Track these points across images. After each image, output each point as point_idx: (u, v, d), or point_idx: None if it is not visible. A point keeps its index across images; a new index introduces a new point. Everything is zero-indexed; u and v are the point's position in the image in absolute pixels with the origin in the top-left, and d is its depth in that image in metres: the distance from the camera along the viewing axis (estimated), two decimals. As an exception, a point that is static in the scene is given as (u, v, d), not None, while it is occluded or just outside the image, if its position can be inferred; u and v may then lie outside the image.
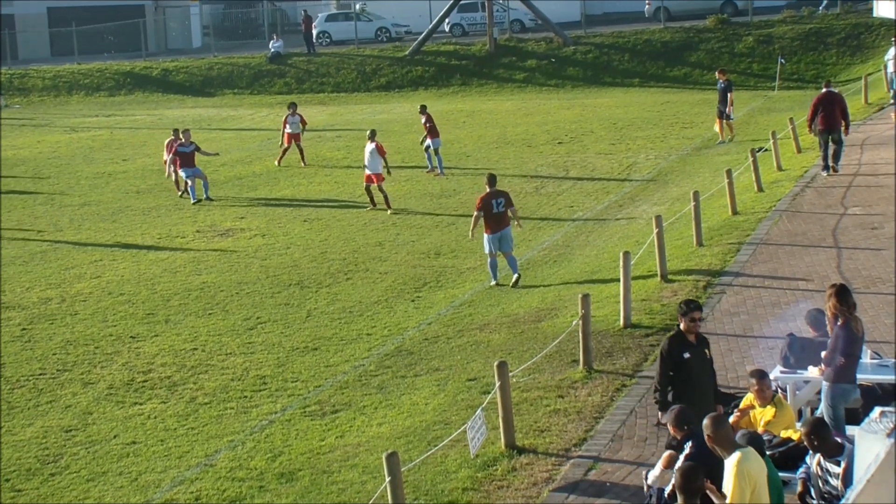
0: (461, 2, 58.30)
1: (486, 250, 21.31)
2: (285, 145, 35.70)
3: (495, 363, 13.32)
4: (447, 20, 59.76)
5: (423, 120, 33.15)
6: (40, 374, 17.73)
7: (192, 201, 30.55)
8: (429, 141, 33.04)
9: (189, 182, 30.99)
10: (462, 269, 22.91)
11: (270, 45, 59.51)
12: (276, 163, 35.83)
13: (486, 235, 21.20)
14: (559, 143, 37.38)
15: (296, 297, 21.45)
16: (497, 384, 13.16)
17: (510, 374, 13.45)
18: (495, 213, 21.07)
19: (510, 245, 21.34)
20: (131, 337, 19.44)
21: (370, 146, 28.44)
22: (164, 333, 19.55)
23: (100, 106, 54.60)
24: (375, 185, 28.45)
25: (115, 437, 15.12)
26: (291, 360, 17.83)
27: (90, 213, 30.20)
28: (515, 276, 21.10)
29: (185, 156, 31.18)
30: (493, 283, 21.23)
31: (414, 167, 34.32)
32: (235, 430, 15.08)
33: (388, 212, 28.12)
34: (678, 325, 11.95)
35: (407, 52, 57.53)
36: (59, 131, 46.54)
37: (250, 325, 19.78)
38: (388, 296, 21.23)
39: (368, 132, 29.48)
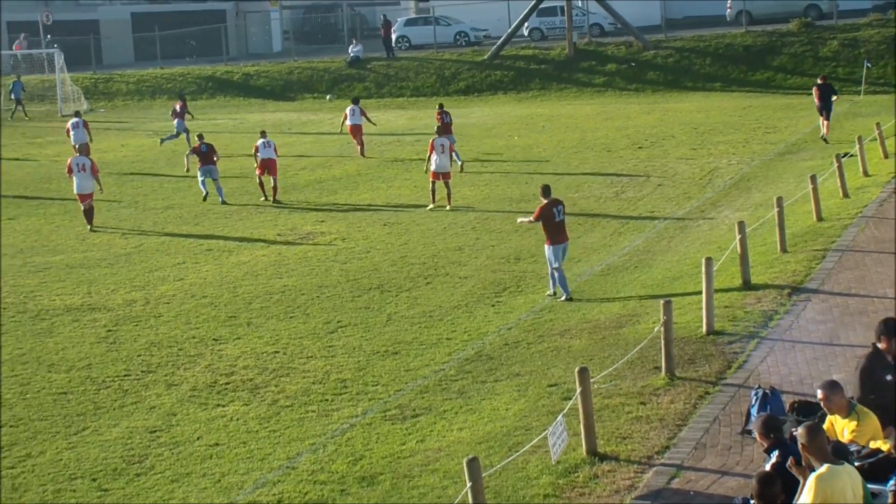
0: (540, 6, 58.22)
1: (555, 263, 20.60)
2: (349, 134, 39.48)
3: (576, 369, 13.27)
4: (526, 24, 59.71)
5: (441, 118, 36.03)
6: (125, 375, 17.98)
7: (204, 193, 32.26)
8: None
9: (201, 178, 32.49)
10: (542, 273, 22.83)
11: (350, 50, 59.88)
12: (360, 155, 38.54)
13: (548, 247, 20.63)
14: (639, 147, 37.18)
15: (376, 300, 21.54)
16: (578, 390, 13.11)
17: (591, 379, 13.39)
18: (557, 221, 20.51)
19: (564, 258, 20.75)
20: (214, 339, 19.64)
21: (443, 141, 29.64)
22: (245, 336, 19.73)
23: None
24: (441, 182, 29.20)
25: (198, 438, 15.28)
26: (372, 364, 17.90)
27: (173, 217, 30.57)
28: (565, 295, 20.49)
29: (203, 155, 32.48)
30: (566, 297, 20.53)
31: (493, 172, 34.34)
32: (316, 433, 15.17)
33: (447, 207, 29.09)
34: (875, 344, 11.34)
35: (486, 57, 57.56)
36: (143, 135, 47.17)
37: (331, 329, 19.89)
38: (467, 300, 21.25)
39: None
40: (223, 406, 16.44)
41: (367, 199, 31.63)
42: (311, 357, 18.44)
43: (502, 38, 57.95)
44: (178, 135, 42.77)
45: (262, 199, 31.94)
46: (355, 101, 40.06)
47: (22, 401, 17.02)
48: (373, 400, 16.33)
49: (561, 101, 51.69)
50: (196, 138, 34.58)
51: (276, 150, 32.56)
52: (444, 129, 33.89)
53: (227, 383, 17.36)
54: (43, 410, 16.61)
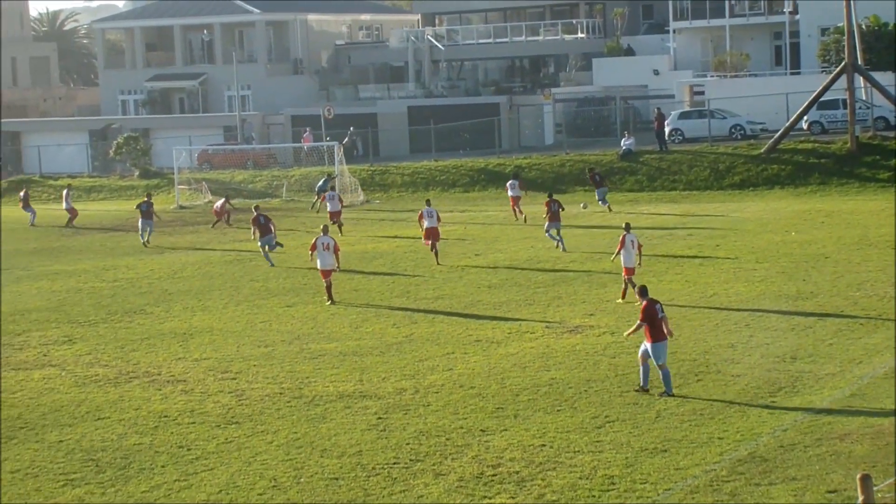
0: (820, 99, 57.01)
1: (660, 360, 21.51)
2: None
3: (858, 476, 12.76)
4: (806, 117, 58.54)
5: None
6: (394, 463, 18.33)
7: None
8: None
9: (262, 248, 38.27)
10: (820, 374, 22.15)
11: (622, 143, 60.05)
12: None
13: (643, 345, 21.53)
14: (927, 245, 35.71)
15: (644, 396, 21.31)
16: (860, 499, 12.59)
17: (875, 488, 12.84)
18: (660, 318, 21.36)
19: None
20: (481, 430, 19.83)
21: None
22: (512, 428, 19.84)
23: (455, 201, 56.48)
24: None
25: (464, 529, 15.39)
26: (640, 461, 17.69)
27: (443, 306, 31.17)
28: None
29: (262, 226, 38.28)
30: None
31: (769, 268, 33.62)
32: (583, 529, 15.06)
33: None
34: None
35: (762, 150, 56.68)
36: (416, 226, 48.40)
37: (598, 424, 19.79)
38: (740, 399, 20.78)
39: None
40: (489, 498, 16.54)
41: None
42: (579, 451, 18.36)
43: (780, 132, 56.96)
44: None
45: (436, 263, 37.18)
46: (515, 176, 49.33)
47: (296, 484, 17.58)
48: (641, 498, 16.11)
49: (842, 197, 50.30)
50: (253, 209, 40.43)
51: (438, 219, 38.25)
52: (553, 216, 38.96)
53: (493, 475, 17.47)
54: (316, 495, 17.10)
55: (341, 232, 43.05)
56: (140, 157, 70.71)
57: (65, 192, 55.68)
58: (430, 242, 37.97)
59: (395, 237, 45.31)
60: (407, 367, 24.62)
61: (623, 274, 30.50)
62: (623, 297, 30.06)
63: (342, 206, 45.85)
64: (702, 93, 67.89)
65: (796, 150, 56.22)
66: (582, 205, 50.41)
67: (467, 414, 20.83)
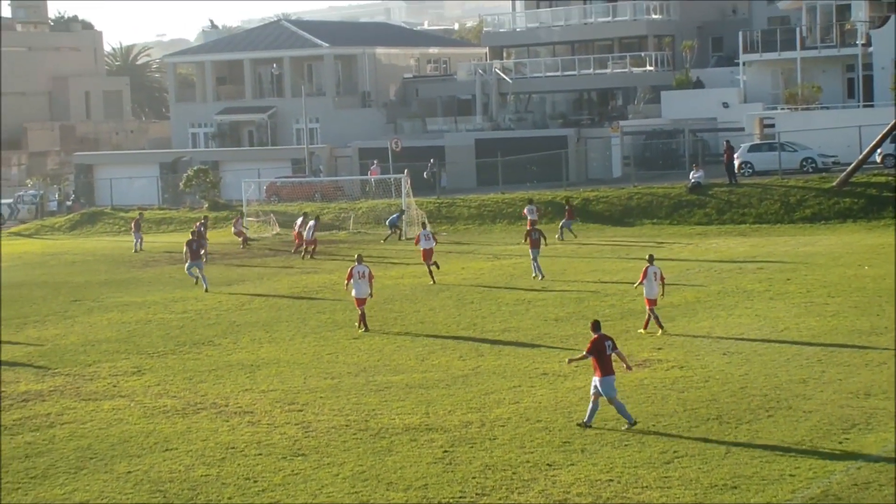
0: (894, 132, 56.29)
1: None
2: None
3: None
4: (879, 150, 57.84)
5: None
6: (460, 497, 18.25)
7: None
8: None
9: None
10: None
11: (691, 176, 59.69)
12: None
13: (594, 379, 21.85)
14: None
15: (714, 431, 21.08)
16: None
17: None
18: (607, 354, 21.84)
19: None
20: (548, 464, 19.70)
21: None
22: (579, 462, 19.69)
23: (521, 234, 56.18)
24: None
25: (530, 564, 15.27)
26: (710, 498, 17.47)
27: (510, 338, 31.07)
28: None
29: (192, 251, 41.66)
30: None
31: (841, 303, 33.18)
32: (651, 566, 14.88)
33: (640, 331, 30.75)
34: None
35: (834, 184, 56.06)
36: (483, 258, 48.43)
37: (667, 459, 19.59)
38: (812, 436, 20.48)
39: None
40: (556, 533, 16.40)
41: (705, 327, 31.17)
42: (647, 487, 18.18)
43: (853, 165, 56.31)
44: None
45: (432, 283, 40.89)
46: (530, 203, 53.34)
47: (360, 516, 17.55)
48: (710, 536, 15.90)
49: (916, 230, 49.58)
50: (191, 233, 44.67)
51: (435, 240, 42.91)
52: (534, 243, 41.03)
53: (560, 510, 17.32)
54: (380, 527, 17.04)
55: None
56: (209, 190, 71.47)
57: (312, 223, 52.82)
58: (427, 263, 41.71)
59: (462, 269, 45.27)
60: (473, 399, 24.54)
61: (646, 305, 30.96)
62: (645, 328, 30.82)
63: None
64: (772, 125, 67.32)
65: (869, 183, 55.56)
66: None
67: (534, 448, 20.71)
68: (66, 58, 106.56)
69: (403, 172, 64.17)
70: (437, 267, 42.47)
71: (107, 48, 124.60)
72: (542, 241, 41.64)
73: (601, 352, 21.86)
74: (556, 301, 36.60)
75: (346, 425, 22.87)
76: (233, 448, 21.63)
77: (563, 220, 54.49)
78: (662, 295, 31.03)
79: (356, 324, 33.40)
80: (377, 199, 66.13)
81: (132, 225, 60.20)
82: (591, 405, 21.94)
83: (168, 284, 45.13)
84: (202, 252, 44.55)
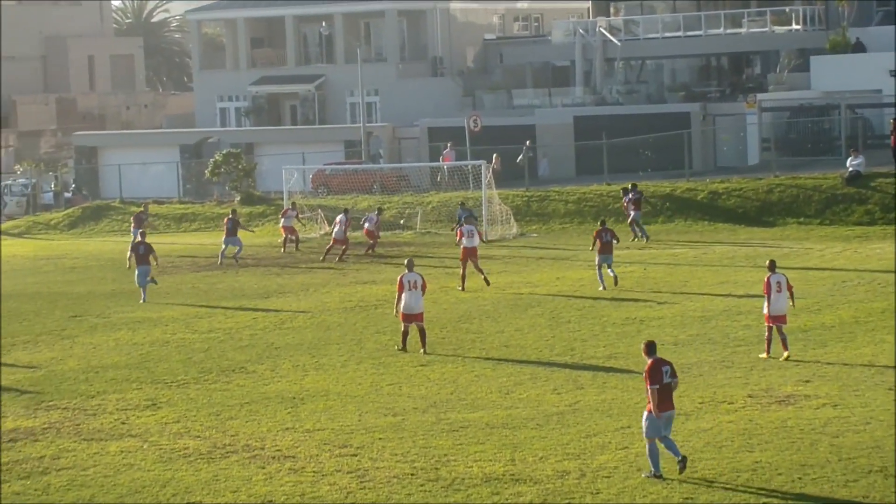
0: None
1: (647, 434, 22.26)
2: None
3: None
4: None
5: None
6: (553, 565, 18.26)
7: None
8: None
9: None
10: None
11: (848, 163, 59.24)
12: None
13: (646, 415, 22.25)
14: None
15: (877, 487, 20.95)
16: None
17: None
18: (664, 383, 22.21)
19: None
20: (664, 526, 19.66)
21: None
22: (705, 524, 19.63)
23: (628, 234, 56.05)
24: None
25: None
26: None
27: (614, 365, 31.02)
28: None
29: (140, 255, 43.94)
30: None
31: None
32: None
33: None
34: None
35: None
36: (583, 266, 48.25)
37: (817, 521, 19.48)
38: None
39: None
40: None
41: (867, 354, 30.93)
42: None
43: None
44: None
45: (460, 288, 42.98)
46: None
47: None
48: None
49: None
50: (139, 235, 46.46)
51: (481, 238, 47.52)
52: (605, 247, 42.15)
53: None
54: None
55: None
56: (242, 179, 71.82)
57: (340, 216, 53.98)
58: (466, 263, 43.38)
59: (558, 279, 45.28)
60: (571, 443, 24.54)
61: (766, 321, 31.27)
62: (767, 353, 31.08)
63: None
64: (953, 99, 66.64)
65: None
66: None
67: (647, 505, 20.70)
68: (65, 14, 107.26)
69: (493, 158, 64.36)
70: (487, 283, 43.48)
71: (115, 2, 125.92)
72: (614, 242, 42.76)
73: (660, 380, 22.18)
74: (675, 320, 36.48)
75: (412, 474, 22.96)
76: (270, 502, 21.79)
77: (633, 213, 55.51)
78: (793, 305, 31.52)
79: (397, 346, 34.19)
80: (450, 191, 66.24)
81: (132, 220, 59.50)
82: (648, 449, 22.12)
83: (190, 296, 45.55)
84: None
